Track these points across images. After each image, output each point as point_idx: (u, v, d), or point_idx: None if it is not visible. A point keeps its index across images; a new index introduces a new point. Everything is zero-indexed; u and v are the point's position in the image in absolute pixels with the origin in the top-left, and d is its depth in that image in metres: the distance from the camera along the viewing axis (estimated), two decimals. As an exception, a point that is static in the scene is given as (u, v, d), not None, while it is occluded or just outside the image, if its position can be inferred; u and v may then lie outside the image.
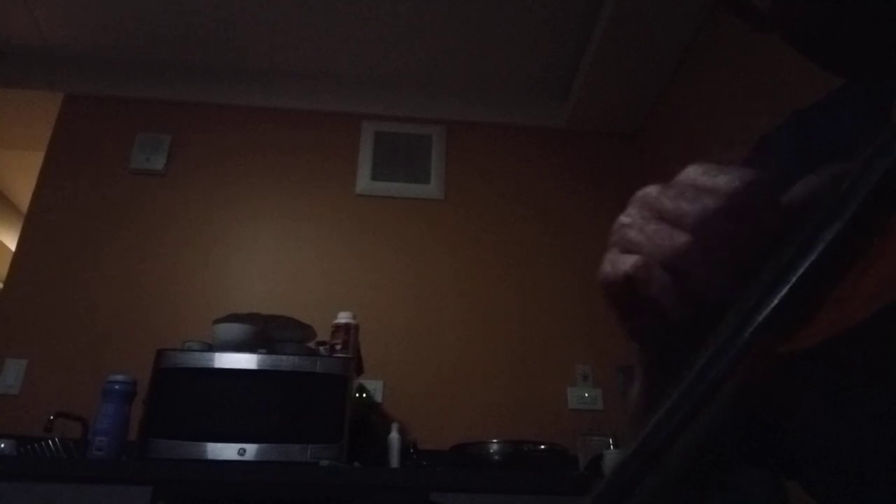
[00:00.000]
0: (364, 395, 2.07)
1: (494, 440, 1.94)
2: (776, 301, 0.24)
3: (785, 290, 0.24)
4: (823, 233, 0.23)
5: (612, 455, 1.93)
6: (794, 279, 0.24)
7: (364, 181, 2.68)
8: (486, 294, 2.53)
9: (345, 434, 1.69)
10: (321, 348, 1.98)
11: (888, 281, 0.21)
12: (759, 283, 0.25)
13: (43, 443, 1.81)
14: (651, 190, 0.34)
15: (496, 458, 1.89)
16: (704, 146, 2.14)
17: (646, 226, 0.32)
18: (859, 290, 0.22)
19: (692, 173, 0.31)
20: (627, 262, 0.33)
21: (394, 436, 1.99)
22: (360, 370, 2.02)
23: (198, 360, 1.76)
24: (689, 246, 0.30)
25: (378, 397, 2.26)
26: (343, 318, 2.00)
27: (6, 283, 2.37)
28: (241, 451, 1.64)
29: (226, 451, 1.64)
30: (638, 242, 0.33)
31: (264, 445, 1.65)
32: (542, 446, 1.96)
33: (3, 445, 1.74)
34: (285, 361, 1.77)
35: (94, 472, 1.55)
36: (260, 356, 1.78)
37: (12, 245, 3.19)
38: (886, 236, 0.22)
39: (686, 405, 0.25)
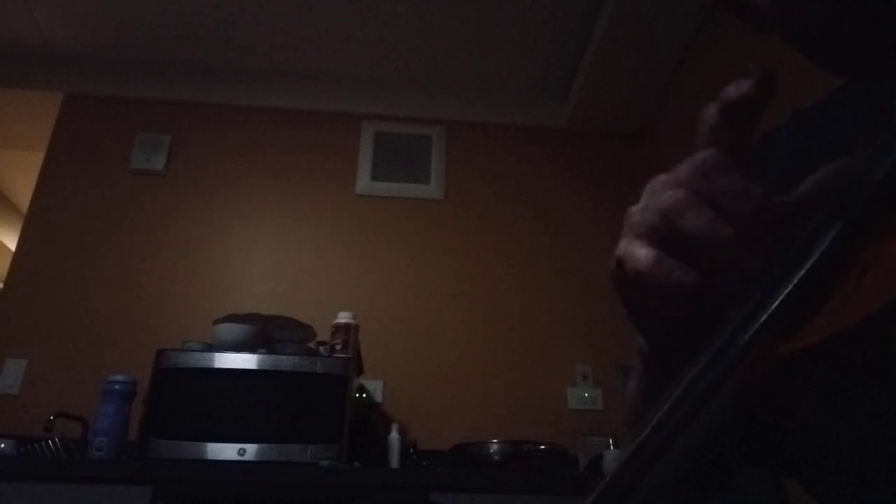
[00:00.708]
0: (364, 395, 2.07)
1: (494, 440, 1.94)
2: (777, 301, 0.24)
3: (786, 291, 0.24)
4: (824, 233, 0.23)
5: (612, 455, 1.93)
6: (795, 279, 0.24)
7: (364, 181, 2.68)
8: (486, 294, 2.53)
9: (345, 434, 1.69)
10: (321, 348, 1.98)
11: (888, 281, 0.21)
12: (760, 283, 0.25)
13: (43, 443, 1.81)
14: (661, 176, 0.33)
15: (496, 458, 1.89)
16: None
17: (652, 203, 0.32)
18: (862, 287, 0.22)
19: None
20: (640, 256, 0.32)
21: (394, 436, 1.99)
22: (360, 370, 2.02)
23: (198, 360, 1.76)
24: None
25: (378, 397, 2.26)
26: (343, 318, 2.00)
27: (6, 283, 2.37)
28: (241, 451, 1.64)
29: (226, 451, 1.64)
30: (640, 222, 0.32)
31: (264, 445, 1.65)
32: (542, 446, 1.96)
33: (3, 445, 1.74)
34: (285, 361, 1.77)
35: (94, 472, 1.55)
36: (260, 356, 1.78)
37: (12, 245, 3.19)
38: (887, 236, 0.22)
39: (686, 405, 0.25)
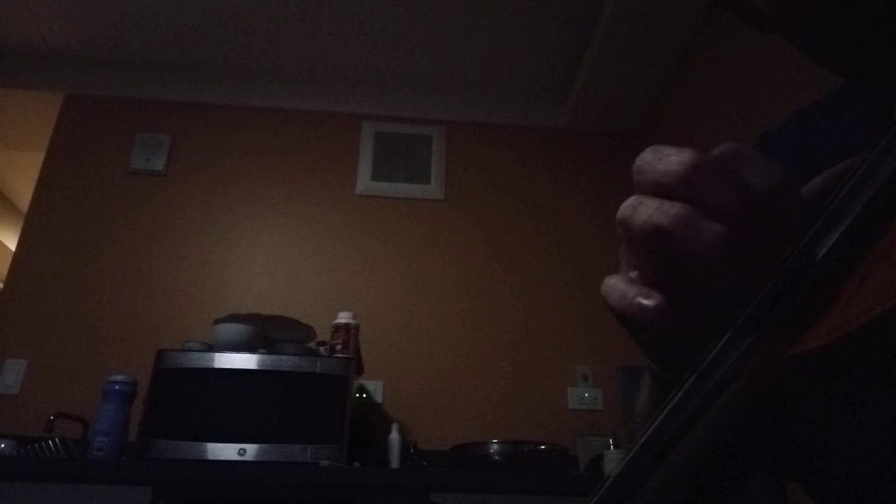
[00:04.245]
0: (364, 395, 2.07)
1: (494, 440, 1.94)
2: (780, 305, 0.24)
3: (788, 294, 0.24)
4: (828, 234, 0.23)
5: (612, 455, 1.93)
6: (796, 282, 0.24)
7: (364, 181, 2.68)
8: (486, 294, 2.53)
9: (345, 434, 1.69)
10: (321, 348, 1.98)
11: (890, 285, 0.21)
12: (763, 285, 0.25)
13: (43, 443, 1.81)
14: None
15: (496, 458, 1.89)
16: (706, 145, 2.14)
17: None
18: (864, 291, 0.22)
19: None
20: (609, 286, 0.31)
21: (394, 436, 1.99)
22: (360, 370, 2.02)
23: (198, 360, 1.76)
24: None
25: (378, 397, 2.26)
26: (343, 318, 2.00)
27: (6, 283, 2.37)
28: (241, 452, 1.64)
29: (226, 451, 1.64)
30: (625, 251, 0.32)
31: (264, 445, 1.65)
32: (542, 446, 1.96)
33: (3, 445, 1.74)
34: (285, 362, 1.77)
35: (94, 472, 1.55)
36: (260, 356, 1.78)
37: (12, 245, 3.19)
38: (891, 238, 0.22)
39: (689, 407, 0.25)
